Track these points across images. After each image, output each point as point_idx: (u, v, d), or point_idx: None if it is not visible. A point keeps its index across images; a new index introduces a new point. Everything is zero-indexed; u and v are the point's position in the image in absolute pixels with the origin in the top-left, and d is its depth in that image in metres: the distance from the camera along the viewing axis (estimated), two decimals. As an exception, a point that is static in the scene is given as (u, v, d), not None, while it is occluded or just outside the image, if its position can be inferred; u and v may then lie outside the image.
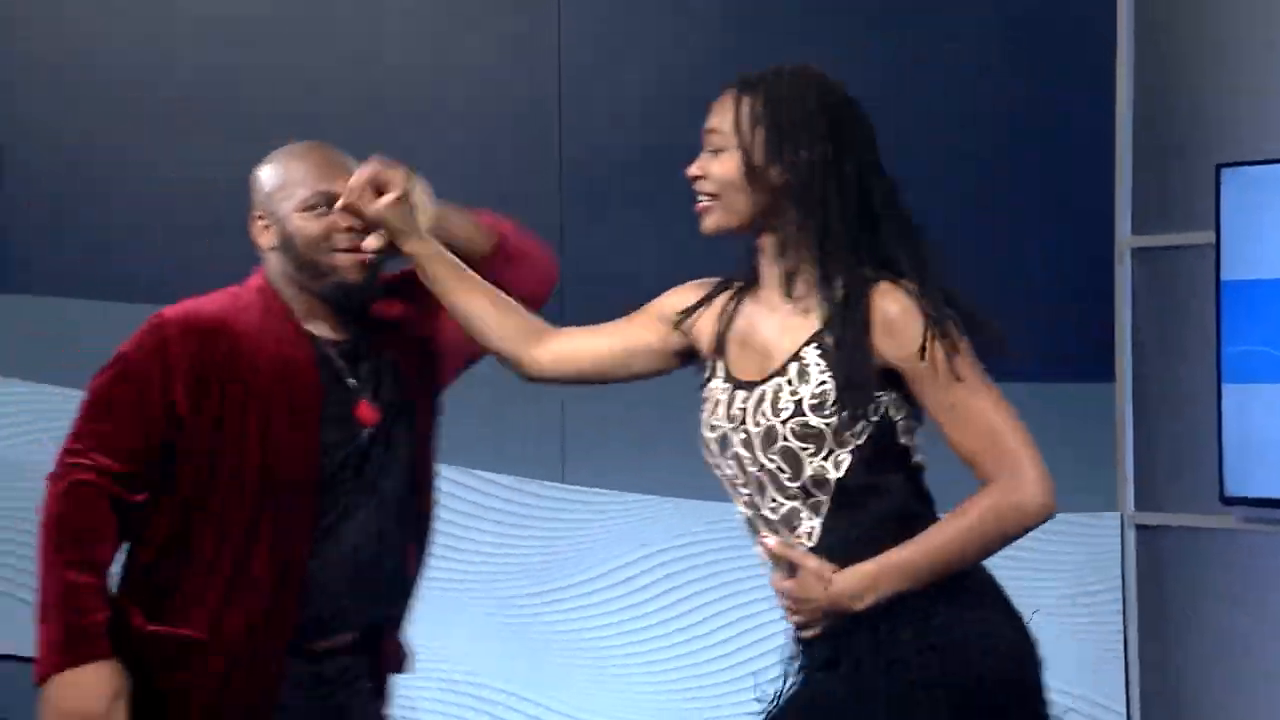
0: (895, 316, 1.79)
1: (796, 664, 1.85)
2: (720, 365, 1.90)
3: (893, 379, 1.81)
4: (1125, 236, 3.74)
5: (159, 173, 3.72)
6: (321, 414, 2.01)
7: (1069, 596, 3.70)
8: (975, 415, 1.79)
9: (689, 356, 1.99)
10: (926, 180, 3.69)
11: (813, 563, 1.77)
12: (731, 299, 1.93)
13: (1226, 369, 3.43)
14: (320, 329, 2.07)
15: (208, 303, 2.06)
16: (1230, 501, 3.42)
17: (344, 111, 3.58)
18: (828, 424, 1.77)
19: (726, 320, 1.91)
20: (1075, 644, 3.67)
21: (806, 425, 1.77)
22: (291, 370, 2.02)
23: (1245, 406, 3.40)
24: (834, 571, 1.77)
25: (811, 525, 1.81)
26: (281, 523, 1.99)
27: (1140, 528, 3.66)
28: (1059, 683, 3.64)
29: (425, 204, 2.03)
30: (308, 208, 2.02)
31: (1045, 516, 1.79)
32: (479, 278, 2.03)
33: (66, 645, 1.94)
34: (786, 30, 3.74)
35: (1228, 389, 3.43)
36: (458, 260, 2.03)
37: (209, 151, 3.60)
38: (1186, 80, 3.74)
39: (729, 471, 1.87)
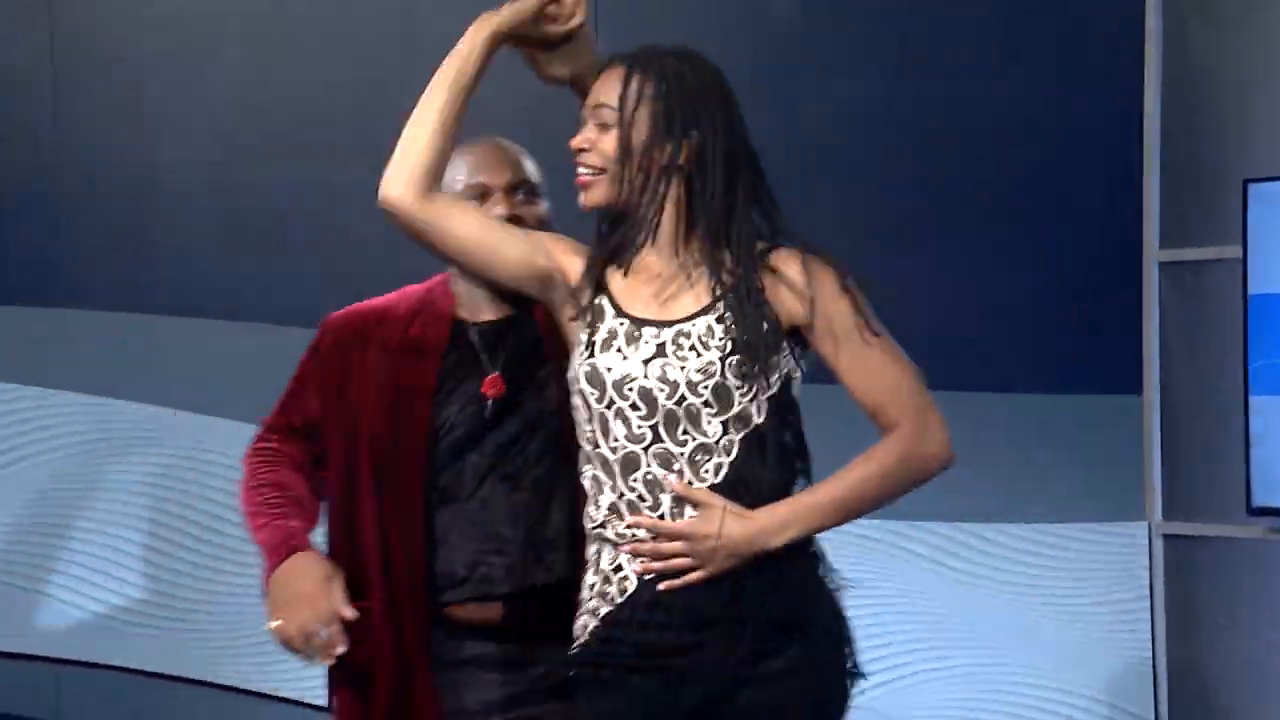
0: (799, 277, 1.89)
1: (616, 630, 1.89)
2: (606, 301, 1.93)
3: (793, 336, 1.91)
4: (1154, 250, 3.78)
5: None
6: (446, 389, 2.14)
7: (1098, 604, 3.74)
8: (881, 368, 1.89)
9: (545, 285, 1.98)
10: (960, 196, 3.82)
11: (720, 501, 1.84)
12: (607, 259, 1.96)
13: (1254, 381, 3.47)
14: (476, 314, 2.18)
15: (384, 297, 2.26)
16: (1257, 512, 3.45)
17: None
18: (759, 368, 1.86)
19: (603, 264, 1.94)
20: (1104, 653, 3.73)
21: (743, 365, 1.85)
22: (417, 349, 2.16)
23: (1272, 418, 3.44)
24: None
25: (719, 462, 1.87)
26: (399, 493, 2.13)
27: (1168, 537, 3.69)
28: (1089, 690, 3.74)
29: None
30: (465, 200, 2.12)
31: (947, 465, 1.93)
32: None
33: (273, 549, 2.11)
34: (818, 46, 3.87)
35: (1255, 401, 3.46)
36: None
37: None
38: (1214, 99, 3.78)
39: (624, 404, 1.88)
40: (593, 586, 1.92)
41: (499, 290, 2.11)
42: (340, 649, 2.03)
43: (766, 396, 1.87)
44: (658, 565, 1.85)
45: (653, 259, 1.92)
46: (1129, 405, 3.76)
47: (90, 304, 4.19)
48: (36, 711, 4.22)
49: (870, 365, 1.89)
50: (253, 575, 2.19)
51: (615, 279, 1.94)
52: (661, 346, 1.87)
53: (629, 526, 1.87)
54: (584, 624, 1.92)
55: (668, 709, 1.86)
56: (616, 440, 1.87)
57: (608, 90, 1.90)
